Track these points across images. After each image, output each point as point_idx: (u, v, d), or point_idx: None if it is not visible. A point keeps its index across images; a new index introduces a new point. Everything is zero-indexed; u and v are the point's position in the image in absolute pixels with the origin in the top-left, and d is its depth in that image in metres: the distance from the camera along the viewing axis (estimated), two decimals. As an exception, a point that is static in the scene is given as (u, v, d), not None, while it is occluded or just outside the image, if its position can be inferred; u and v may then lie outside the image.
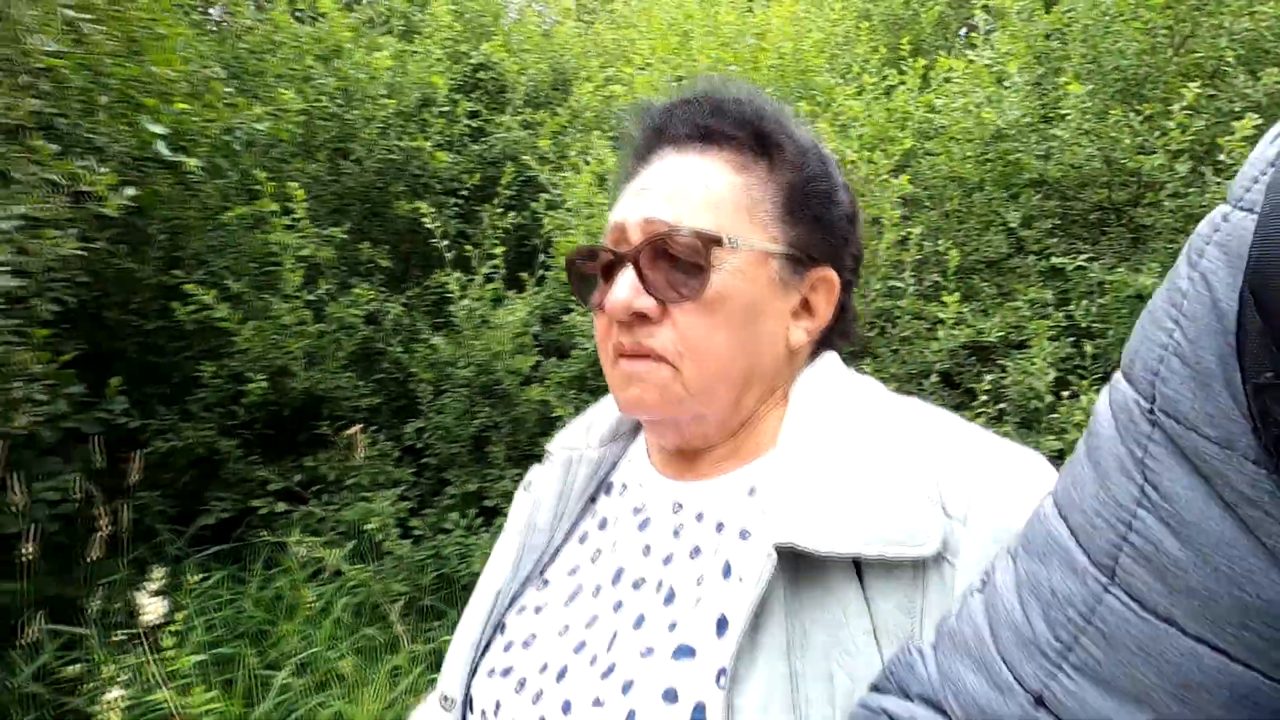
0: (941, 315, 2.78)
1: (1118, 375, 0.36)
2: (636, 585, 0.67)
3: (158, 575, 1.84)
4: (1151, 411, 0.33)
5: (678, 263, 0.66)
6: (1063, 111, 3.00)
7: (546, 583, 0.74)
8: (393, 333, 3.25)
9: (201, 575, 2.59)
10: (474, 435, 3.08)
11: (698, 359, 0.66)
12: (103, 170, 2.18)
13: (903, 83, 3.56)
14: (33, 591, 2.01)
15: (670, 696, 0.57)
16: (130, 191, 2.15)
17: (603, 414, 0.83)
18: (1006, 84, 3.22)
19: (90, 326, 2.78)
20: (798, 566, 0.56)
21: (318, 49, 3.33)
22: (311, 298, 2.90)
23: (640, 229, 0.68)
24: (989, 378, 2.62)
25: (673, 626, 0.61)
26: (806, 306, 0.71)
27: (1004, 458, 0.60)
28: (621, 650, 0.62)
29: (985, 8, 4.22)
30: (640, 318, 0.67)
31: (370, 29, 3.79)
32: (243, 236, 3.02)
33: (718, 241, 0.65)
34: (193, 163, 2.68)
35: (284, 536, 2.68)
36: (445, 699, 0.73)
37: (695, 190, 0.67)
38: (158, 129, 2.57)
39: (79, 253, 2.03)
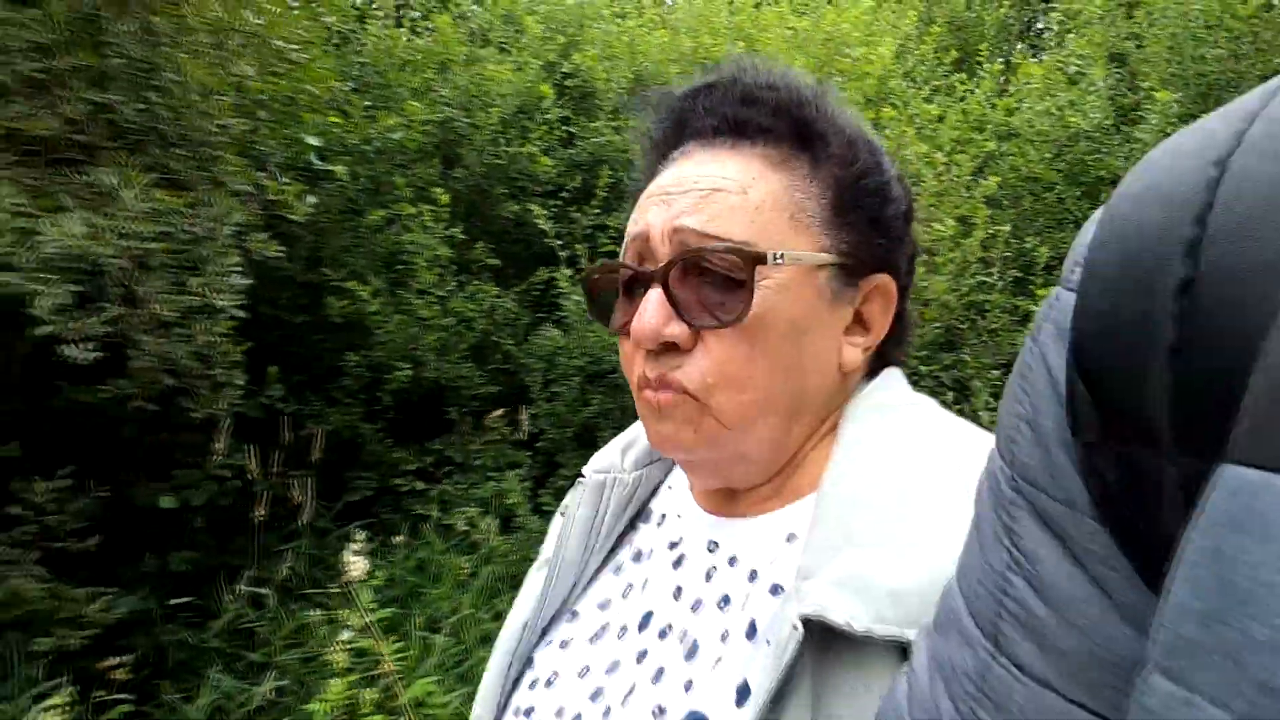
0: (1033, 308, 2.96)
1: (991, 448, 0.38)
2: (663, 634, 0.61)
3: (360, 537, 2.11)
4: (1013, 479, 0.35)
5: (713, 280, 0.57)
6: (1146, 114, 3.16)
7: (576, 615, 0.69)
8: (504, 325, 3.49)
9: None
10: (584, 421, 3.31)
11: (734, 390, 0.58)
12: (285, 181, 2.44)
13: (978, 86, 3.72)
14: (260, 550, 2.29)
15: None
16: (312, 200, 2.42)
17: (641, 434, 0.73)
18: (1088, 88, 3.37)
19: (246, 321, 3.06)
20: (830, 638, 0.49)
21: (433, 62, 3.59)
22: (443, 294, 3.15)
23: (668, 240, 0.59)
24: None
25: (689, 686, 0.56)
26: (860, 320, 0.63)
27: None
28: (636, 707, 0.58)
29: (1052, 10, 4.36)
30: (669, 344, 0.58)
31: (469, 41, 4.04)
32: (371, 238, 3.28)
33: (760, 259, 0.56)
34: (340, 170, 2.95)
35: (426, 511, 2.94)
36: None
37: (729, 194, 0.58)
38: (314, 141, 2.83)
39: (280, 254, 2.30)
